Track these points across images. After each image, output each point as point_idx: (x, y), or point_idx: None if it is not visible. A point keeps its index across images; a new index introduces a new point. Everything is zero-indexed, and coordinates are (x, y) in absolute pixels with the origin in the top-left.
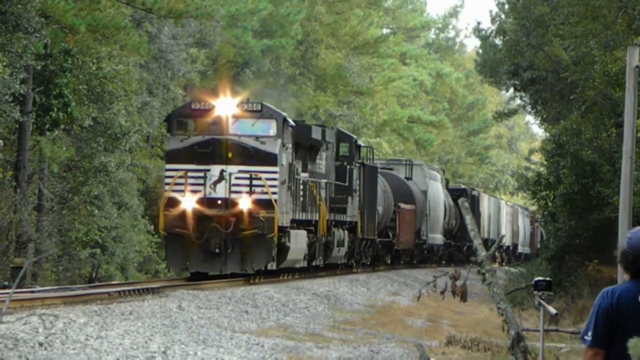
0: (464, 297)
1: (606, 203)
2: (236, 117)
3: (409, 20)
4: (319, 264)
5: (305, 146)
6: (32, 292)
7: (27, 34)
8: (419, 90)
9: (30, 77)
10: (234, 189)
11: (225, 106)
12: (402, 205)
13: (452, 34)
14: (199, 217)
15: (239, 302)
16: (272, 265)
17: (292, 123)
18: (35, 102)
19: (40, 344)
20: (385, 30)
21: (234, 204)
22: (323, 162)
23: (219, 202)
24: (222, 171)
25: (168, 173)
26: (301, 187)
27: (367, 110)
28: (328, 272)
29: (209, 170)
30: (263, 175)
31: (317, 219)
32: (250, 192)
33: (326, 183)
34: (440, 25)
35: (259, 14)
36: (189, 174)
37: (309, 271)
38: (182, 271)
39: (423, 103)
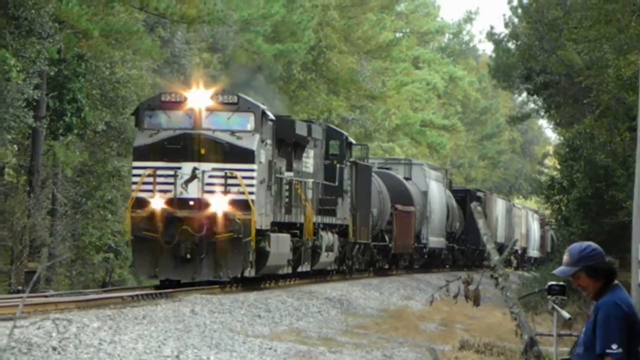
0: (476, 302)
1: (620, 207)
2: (210, 110)
3: (422, 25)
4: (306, 270)
5: (289, 143)
6: (46, 296)
7: (40, 39)
8: (431, 94)
9: (43, 82)
10: (207, 188)
11: (198, 98)
12: (400, 207)
13: (466, 38)
14: (168, 219)
15: (252, 307)
16: (250, 272)
17: (272, 117)
18: (48, 107)
19: (54, 349)
20: (398, 35)
21: (207, 205)
22: (310, 160)
23: (191, 202)
24: (194, 169)
25: (135, 171)
26: (285, 187)
27: (379, 115)
28: (316, 278)
29: (180, 168)
30: (239, 174)
31: (303, 221)
32: (225, 192)
33: (313, 183)
34: (454, 31)
35: (271, 19)
36: (158, 172)
37: (295, 278)
38: (151, 278)
39: (436, 107)
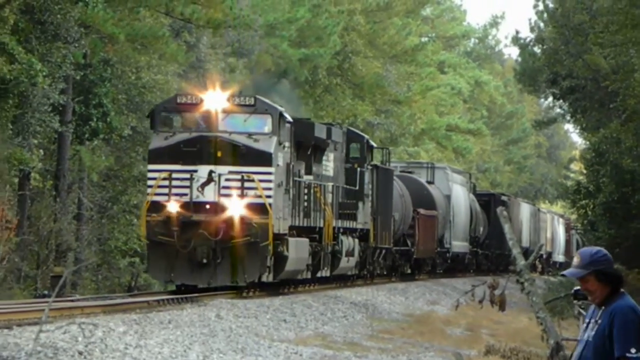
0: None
1: None
2: (227, 112)
3: (448, 30)
4: (326, 275)
5: (308, 146)
6: (72, 300)
7: (66, 44)
8: (457, 99)
9: (69, 87)
10: (223, 191)
11: (215, 100)
12: (422, 211)
13: (491, 43)
14: (184, 223)
15: (277, 311)
16: (267, 277)
17: (290, 119)
18: (74, 111)
19: (80, 353)
20: (423, 39)
21: (223, 208)
22: (330, 163)
23: (207, 206)
24: (210, 172)
25: (151, 174)
26: (304, 190)
27: (405, 119)
28: (336, 283)
29: (196, 171)
30: (256, 177)
31: (322, 225)
32: (242, 196)
33: (333, 186)
34: (480, 35)
35: (297, 23)
36: (174, 175)
37: (314, 283)
38: (167, 283)
39: (461, 111)
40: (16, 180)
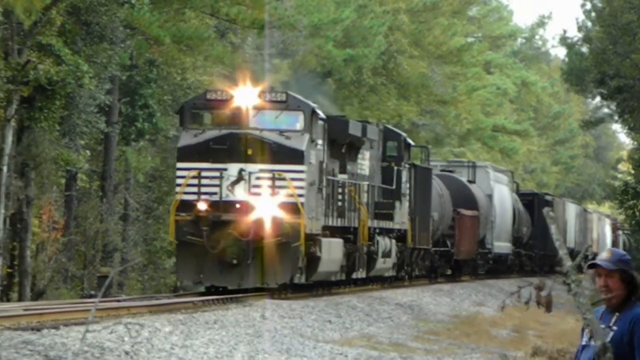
0: (548, 308)
1: None
2: (257, 109)
3: (494, 29)
4: (361, 276)
5: (342, 144)
6: (118, 301)
7: (112, 45)
8: (503, 99)
9: (115, 87)
10: (254, 190)
11: (246, 96)
12: (463, 211)
13: (538, 43)
14: (214, 223)
15: (322, 312)
16: (299, 278)
17: (323, 116)
18: (120, 112)
19: (126, 353)
20: (469, 39)
21: (254, 208)
22: (366, 162)
23: (237, 205)
24: (240, 170)
25: (180, 173)
26: (338, 189)
27: (450, 119)
28: (373, 285)
29: (226, 170)
30: (288, 175)
31: (357, 226)
32: (273, 195)
33: (368, 186)
34: (526, 35)
35: (342, 24)
36: (203, 173)
37: (349, 285)
38: (196, 284)
39: (508, 112)
40: (63, 181)
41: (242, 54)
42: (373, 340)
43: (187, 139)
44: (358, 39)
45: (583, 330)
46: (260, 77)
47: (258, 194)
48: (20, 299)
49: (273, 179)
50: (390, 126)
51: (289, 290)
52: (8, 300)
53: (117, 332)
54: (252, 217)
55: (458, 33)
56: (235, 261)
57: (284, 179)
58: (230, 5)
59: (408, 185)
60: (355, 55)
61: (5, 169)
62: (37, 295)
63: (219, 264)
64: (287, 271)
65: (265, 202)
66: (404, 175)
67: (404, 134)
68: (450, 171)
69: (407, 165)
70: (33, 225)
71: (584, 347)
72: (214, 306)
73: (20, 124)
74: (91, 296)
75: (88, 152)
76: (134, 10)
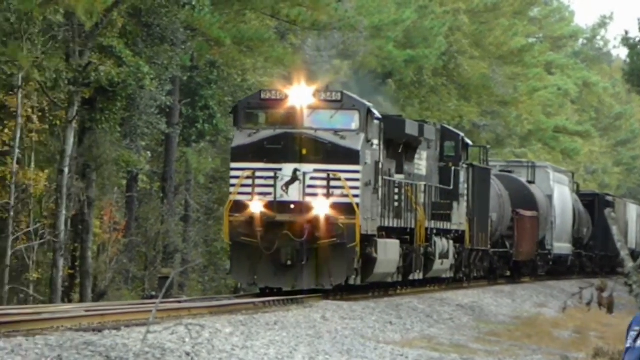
0: (610, 309)
1: None
2: (312, 108)
3: (555, 30)
4: (418, 278)
5: (399, 143)
6: (179, 301)
7: (173, 47)
8: (564, 100)
9: (176, 89)
10: (308, 191)
11: (300, 96)
12: (522, 212)
13: (600, 43)
14: (268, 223)
15: (383, 313)
16: (355, 280)
17: (379, 115)
18: (181, 114)
19: (187, 354)
20: (530, 40)
21: (308, 208)
22: (423, 162)
23: (292, 206)
24: (295, 170)
25: (233, 173)
26: (395, 190)
27: (511, 120)
28: (430, 287)
29: (280, 170)
30: (343, 175)
31: (414, 227)
32: (328, 195)
33: (425, 186)
34: (588, 36)
35: (403, 24)
36: (257, 173)
37: (406, 287)
38: (250, 286)
39: (569, 113)
40: (124, 182)
41: (302, 55)
42: (434, 341)
43: (241, 138)
44: (419, 40)
45: (628, 331)
46: (320, 78)
47: (313, 195)
48: (81, 300)
49: (328, 179)
50: (448, 126)
51: (344, 292)
52: (69, 301)
53: (178, 333)
54: (306, 217)
55: (519, 34)
56: (289, 262)
57: (339, 179)
58: (290, 7)
59: (466, 185)
60: (415, 56)
61: (66, 170)
62: (99, 296)
63: (273, 265)
64: (342, 272)
65: (320, 202)
66: (462, 176)
67: (461, 134)
68: (510, 172)
69: (465, 166)
70: (94, 227)
71: (628, 349)
72: (275, 307)
73: (82, 126)
74: (152, 297)
75: (149, 153)
76: (195, 11)
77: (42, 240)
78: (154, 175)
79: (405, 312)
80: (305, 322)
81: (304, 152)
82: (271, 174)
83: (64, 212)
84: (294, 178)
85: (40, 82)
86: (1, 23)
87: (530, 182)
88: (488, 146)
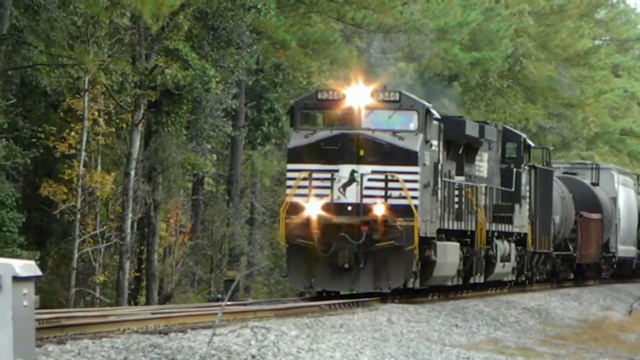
0: None
1: None
2: (370, 109)
3: (622, 32)
4: (479, 281)
5: (459, 145)
6: (245, 304)
7: (239, 50)
8: (630, 102)
9: (242, 92)
10: (366, 192)
11: (358, 96)
12: (585, 214)
13: None
14: (325, 225)
15: (449, 316)
16: (414, 283)
17: (438, 116)
18: (247, 116)
19: (253, 357)
20: (597, 42)
21: (366, 210)
22: (484, 164)
23: (349, 208)
24: (352, 172)
25: (290, 174)
26: (455, 192)
27: (577, 123)
28: (491, 290)
29: (337, 171)
30: (401, 177)
31: (474, 229)
32: (386, 197)
33: (486, 188)
34: None
35: (468, 27)
36: (314, 175)
37: (467, 290)
38: (307, 289)
39: (636, 115)
40: (190, 185)
41: (368, 57)
42: (500, 344)
43: (297, 139)
44: (484, 42)
45: None
46: (385, 81)
47: (370, 196)
48: (147, 303)
49: (386, 180)
50: (509, 127)
51: (402, 295)
52: (136, 304)
53: (244, 335)
54: (364, 219)
55: (585, 36)
56: (346, 265)
57: (397, 180)
58: (356, 10)
59: (528, 187)
60: (481, 59)
61: (133, 173)
62: (165, 298)
63: (331, 268)
64: (400, 276)
65: (377, 204)
66: (524, 177)
67: (523, 135)
68: (574, 173)
69: (527, 167)
70: (160, 229)
71: None
72: (340, 310)
73: (148, 129)
74: (218, 300)
75: (214, 156)
76: (261, 14)
77: (108, 243)
78: (219, 178)
79: (471, 315)
80: (370, 325)
81: (362, 153)
82: (328, 175)
83: (130, 214)
84: (351, 179)
85: (107, 85)
86: (68, 26)
87: (594, 184)
88: (551, 148)
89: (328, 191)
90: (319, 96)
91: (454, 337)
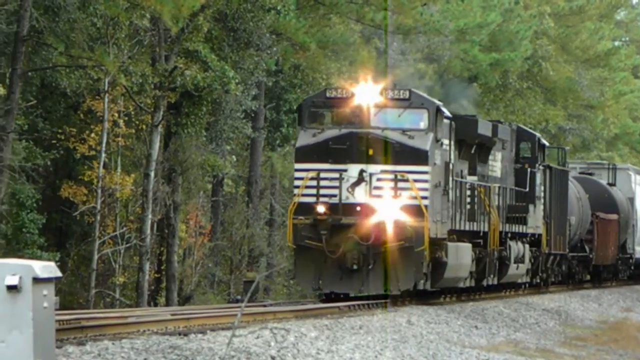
0: None
1: None
2: (379, 107)
3: None
4: (492, 283)
5: (471, 144)
6: (264, 305)
7: (258, 51)
8: None
9: (261, 93)
10: (375, 192)
11: (367, 94)
12: (602, 215)
13: None
14: (333, 226)
15: (468, 317)
16: (424, 285)
17: (449, 114)
18: (266, 118)
19: (273, 358)
20: (617, 43)
21: (375, 210)
22: (497, 163)
23: (358, 208)
24: (361, 171)
25: (297, 174)
26: (467, 192)
27: (597, 124)
28: (505, 292)
29: (345, 171)
30: (411, 176)
31: (487, 230)
32: (396, 197)
33: (499, 188)
34: None
35: (488, 28)
36: (322, 174)
37: (480, 292)
38: (315, 291)
39: None
40: (210, 186)
41: (387, 59)
42: (520, 346)
43: (305, 138)
44: (504, 44)
45: None
46: (406, 82)
47: (379, 196)
48: (167, 304)
49: (395, 180)
50: (524, 126)
51: (413, 297)
52: (156, 305)
53: (263, 337)
54: (373, 220)
55: (605, 37)
56: (355, 267)
57: (407, 180)
58: (375, 11)
59: (543, 187)
60: (501, 60)
61: (152, 174)
62: (185, 300)
63: (339, 269)
64: (410, 277)
65: (387, 204)
66: (539, 177)
67: (538, 134)
68: (590, 174)
69: (541, 167)
70: (180, 231)
71: None
72: (360, 311)
73: (168, 130)
74: (237, 301)
75: (234, 157)
76: (280, 16)
77: (128, 244)
78: (239, 179)
79: (491, 317)
80: (390, 326)
81: (371, 152)
82: (336, 175)
83: (149, 216)
84: (360, 179)
85: (127, 87)
86: (88, 28)
87: (610, 185)
88: (566, 148)
89: (336, 191)
90: (327, 94)
91: (474, 339)
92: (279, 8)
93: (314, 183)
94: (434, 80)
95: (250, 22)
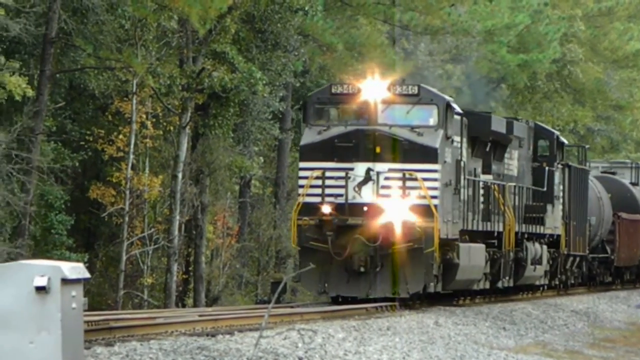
0: None
1: None
2: (387, 103)
3: None
4: (508, 285)
5: (485, 141)
6: (292, 307)
7: (285, 53)
8: None
9: (289, 94)
10: (383, 192)
11: (374, 89)
12: (624, 215)
13: None
14: (339, 227)
15: (496, 319)
16: (435, 287)
17: (460, 110)
18: (293, 119)
19: (300, 359)
20: None
21: (383, 210)
22: (514, 162)
23: (365, 208)
24: (368, 170)
25: (302, 173)
26: (480, 191)
27: (626, 125)
28: (522, 295)
29: (352, 169)
30: (420, 175)
31: (502, 230)
32: (404, 196)
33: (515, 187)
34: None
35: (516, 29)
36: (328, 173)
37: (496, 295)
38: (320, 294)
39: None
40: (237, 187)
41: (415, 60)
42: (548, 347)
43: (310, 136)
44: (533, 45)
45: None
46: (432, 82)
47: (387, 196)
48: (195, 305)
49: (404, 179)
50: (542, 124)
51: (423, 300)
52: (183, 306)
53: (291, 338)
54: (380, 220)
55: (634, 38)
56: (362, 269)
57: (415, 179)
58: (403, 12)
59: (561, 187)
60: (529, 61)
61: (180, 175)
62: (212, 300)
63: (345, 272)
64: (420, 279)
65: (395, 204)
66: (557, 177)
67: (556, 132)
68: (613, 173)
69: (560, 166)
70: (208, 232)
71: None
72: (387, 313)
73: (195, 131)
74: (265, 302)
75: (261, 158)
76: (308, 17)
77: (156, 245)
78: (266, 181)
79: (519, 318)
80: (417, 327)
81: (378, 150)
82: (342, 173)
83: (177, 217)
84: (367, 178)
85: (154, 88)
86: (116, 29)
87: (633, 184)
88: (586, 146)
89: (342, 190)
90: (333, 90)
91: (502, 340)
92: (306, 9)
93: (319, 182)
94: (461, 81)
95: (277, 24)
